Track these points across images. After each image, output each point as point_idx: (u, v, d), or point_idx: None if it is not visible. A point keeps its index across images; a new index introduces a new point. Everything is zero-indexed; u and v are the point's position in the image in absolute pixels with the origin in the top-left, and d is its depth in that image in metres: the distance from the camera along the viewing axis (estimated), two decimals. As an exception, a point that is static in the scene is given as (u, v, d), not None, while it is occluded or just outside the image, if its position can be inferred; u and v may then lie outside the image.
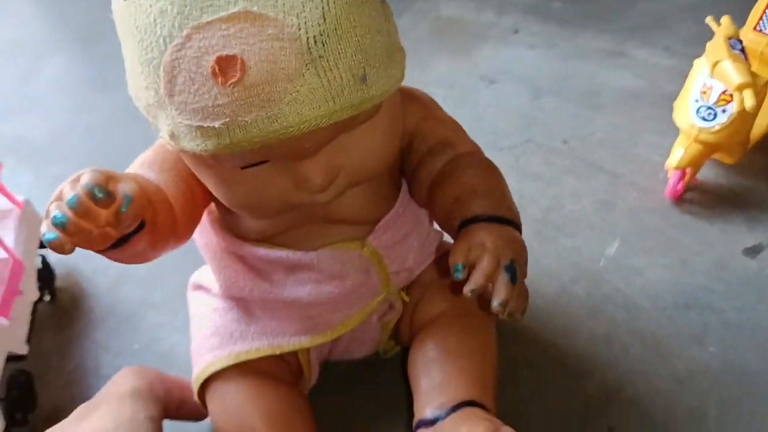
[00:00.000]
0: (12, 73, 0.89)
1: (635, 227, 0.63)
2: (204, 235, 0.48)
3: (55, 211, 0.33)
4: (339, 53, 0.34)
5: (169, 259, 0.63)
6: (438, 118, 0.47)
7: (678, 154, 0.62)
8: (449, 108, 0.49)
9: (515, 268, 0.39)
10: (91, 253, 0.67)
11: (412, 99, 0.47)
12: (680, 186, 0.64)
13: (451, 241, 0.48)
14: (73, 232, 0.33)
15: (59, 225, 0.33)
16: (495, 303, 0.38)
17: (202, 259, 0.54)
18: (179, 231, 0.42)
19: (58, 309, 0.63)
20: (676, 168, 0.62)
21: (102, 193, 0.33)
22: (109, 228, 0.34)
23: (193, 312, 0.52)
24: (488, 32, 0.86)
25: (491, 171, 0.45)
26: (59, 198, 0.34)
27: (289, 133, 0.34)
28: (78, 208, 0.33)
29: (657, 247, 0.62)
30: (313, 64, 0.33)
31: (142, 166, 0.42)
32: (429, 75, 0.79)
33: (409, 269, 0.50)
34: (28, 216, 0.60)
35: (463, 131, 0.48)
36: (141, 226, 0.37)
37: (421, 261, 0.51)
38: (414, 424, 0.47)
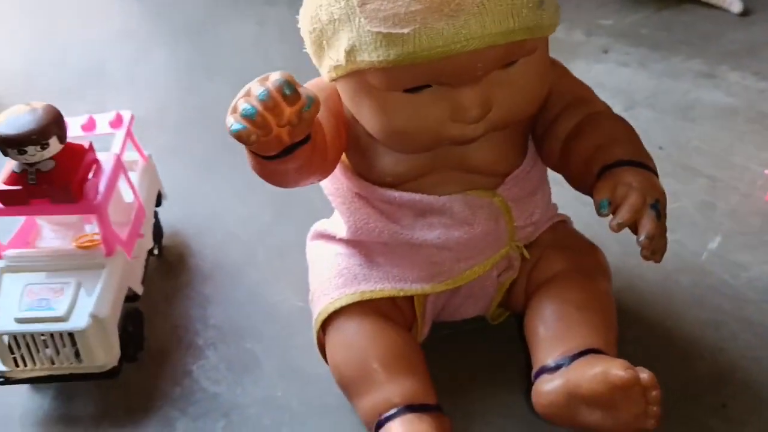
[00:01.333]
0: (120, 58, 0.93)
1: (738, 227, 0.64)
2: (335, 181, 0.50)
3: (244, 104, 0.36)
4: None
5: (268, 224, 0.66)
6: (572, 78, 0.50)
7: (783, 155, 0.63)
8: None
9: (659, 207, 0.40)
10: (195, 215, 0.70)
11: (550, 60, 0.49)
12: (782, 192, 0.65)
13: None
14: (260, 124, 0.35)
15: (248, 116, 0.35)
16: (642, 236, 0.39)
17: (298, 227, 0.56)
18: (328, 160, 0.45)
19: (166, 264, 0.64)
20: (781, 170, 0.63)
21: (291, 89, 0.35)
22: (285, 130, 0.37)
23: (313, 258, 0.54)
24: (579, 50, 0.89)
25: (627, 124, 0.47)
26: (247, 94, 0.36)
27: (470, 45, 0.37)
28: (267, 101, 0.35)
29: (761, 246, 0.62)
30: None
31: None
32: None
33: (534, 224, 0.51)
34: (150, 170, 0.63)
35: (594, 92, 0.50)
36: (307, 139, 0.39)
37: (544, 221, 0.52)
38: (533, 372, 0.47)
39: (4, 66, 0.93)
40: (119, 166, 0.55)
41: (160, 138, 0.78)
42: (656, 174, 0.44)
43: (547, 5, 0.39)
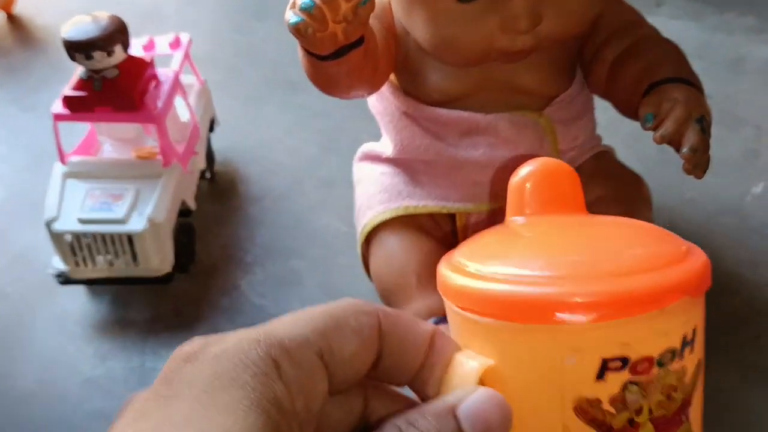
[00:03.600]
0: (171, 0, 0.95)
1: (783, 174, 0.64)
2: (382, 100, 0.51)
3: None
4: None
5: (315, 156, 0.68)
6: (623, 3, 0.50)
7: (834, 105, 0.63)
8: None
9: (704, 122, 0.41)
10: (245, 145, 0.72)
11: None
12: (830, 141, 0.64)
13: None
14: (317, 18, 0.37)
15: (306, 8, 0.37)
16: (685, 149, 0.40)
17: (344, 160, 0.57)
18: (378, 71, 0.46)
19: (216, 188, 0.67)
20: (833, 116, 0.63)
21: None
22: (341, 26, 0.38)
23: (359, 178, 0.55)
24: (632, 2, 0.88)
25: (676, 47, 0.48)
26: None
27: None
28: None
29: (807, 193, 0.62)
30: None
31: None
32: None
33: (578, 147, 0.51)
34: (206, 94, 0.65)
35: (644, 17, 0.50)
36: (361, 42, 0.40)
37: (588, 148, 0.53)
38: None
39: (64, 3, 0.96)
40: (177, 84, 0.57)
41: (211, 74, 0.80)
42: (703, 93, 0.44)
43: None
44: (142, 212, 0.52)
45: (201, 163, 0.62)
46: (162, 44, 0.61)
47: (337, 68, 0.41)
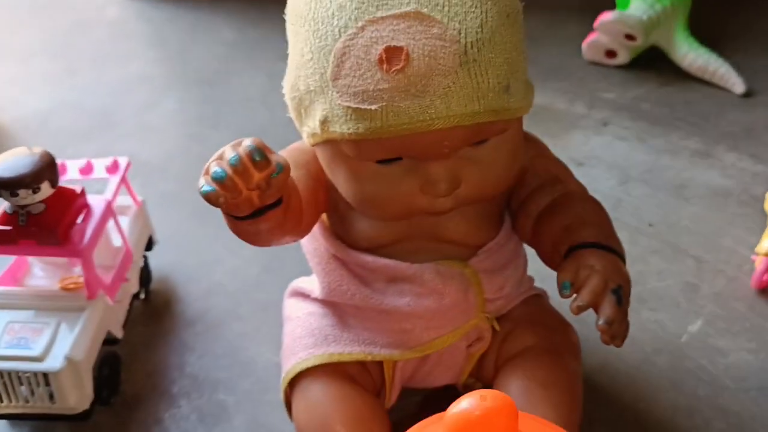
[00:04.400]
0: (133, 103, 0.96)
1: (720, 311, 0.64)
2: (313, 240, 0.51)
3: (215, 168, 0.37)
4: (490, 61, 0.39)
5: (256, 277, 0.67)
6: (550, 158, 0.51)
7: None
8: None
9: (621, 292, 0.41)
10: (185, 262, 0.71)
11: (527, 138, 0.50)
12: (766, 277, 0.65)
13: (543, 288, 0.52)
14: (228, 188, 0.37)
15: (218, 179, 0.36)
16: (601, 321, 0.40)
17: (285, 283, 0.57)
18: (303, 223, 0.46)
19: (151, 308, 0.65)
20: (766, 255, 0.63)
21: (260, 156, 0.36)
22: (255, 193, 0.38)
23: (287, 315, 0.54)
24: (579, 122, 0.90)
25: (599, 207, 0.48)
26: (220, 158, 0.37)
27: (435, 125, 0.38)
28: (238, 165, 0.36)
29: (742, 332, 0.62)
30: (467, 66, 0.38)
31: None
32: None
33: (504, 297, 0.51)
34: (142, 215, 0.64)
35: (572, 173, 0.51)
36: (279, 203, 0.40)
37: (516, 295, 0.53)
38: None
39: (22, 105, 0.96)
40: (109, 212, 0.56)
41: (161, 184, 0.80)
42: (623, 259, 0.44)
43: (514, 90, 0.40)
44: (60, 349, 0.51)
45: (133, 287, 0.61)
46: (99, 168, 0.61)
47: (255, 226, 0.41)
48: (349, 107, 0.39)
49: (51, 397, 0.51)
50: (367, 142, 0.40)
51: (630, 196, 0.78)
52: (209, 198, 0.37)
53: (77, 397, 0.51)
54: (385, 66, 0.37)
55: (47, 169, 0.51)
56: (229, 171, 0.36)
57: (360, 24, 0.38)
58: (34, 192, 0.50)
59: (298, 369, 0.49)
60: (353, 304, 0.50)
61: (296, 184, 0.44)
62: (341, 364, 0.49)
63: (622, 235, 0.71)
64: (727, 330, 0.62)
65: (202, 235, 0.73)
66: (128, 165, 0.62)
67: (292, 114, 0.46)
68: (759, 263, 0.65)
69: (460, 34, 0.38)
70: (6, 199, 0.51)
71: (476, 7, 0.39)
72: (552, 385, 0.47)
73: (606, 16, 0.94)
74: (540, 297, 0.55)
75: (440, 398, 0.56)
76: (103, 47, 1.09)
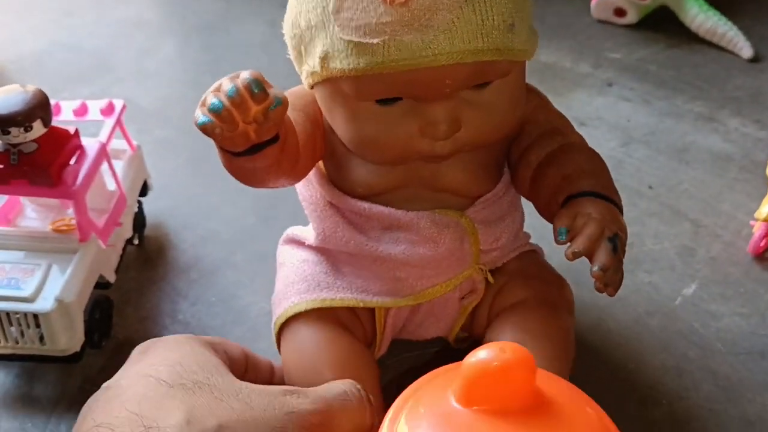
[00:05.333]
0: (130, 48, 0.94)
1: (715, 275, 0.64)
2: (308, 187, 0.51)
3: (213, 99, 0.36)
4: None
5: (251, 227, 0.67)
6: (551, 109, 0.50)
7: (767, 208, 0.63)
8: None
9: (617, 241, 0.40)
10: (181, 209, 0.71)
11: (529, 89, 0.50)
12: (764, 242, 0.65)
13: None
14: (225, 119, 0.36)
15: (215, 110, 0.36)
16: (595, 267, 0.40)
17: (280, 233, 0.57)
18: (299, 165, 0.45)
19: (144, 254, 0.65)
20: (765, 220, 0.63)
21: (258, 88, 0.36)
22: (252, 127, 0.37)
23: (281, 262, 0.54)
24: (583, 81, 0.89)
25: (599, 158, 0.48)
26: (217, 89, 0.37)
27: (438, 61, 0.38)
28: (235, 97, 0.36)
29: (736, 297, 0.62)
30: (472, 2, 0.38)
31: None
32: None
33: (500, 248, 0.51)
34: (137, 160, 0.64)
35: (572, 125, 0.50)
36: (276, 140, 0.40)
37: (511, 249, 0.52)
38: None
39: (18, 46, 0.94)
40: (103, 154, 0.56)
41: (158, 130, 0.79)
42: (620, 210, 0.44)
43: (519, 30, 0.40)
44: (51, 291, 0.50)
45: (127, 232, 0.61)
46: (94, 110, 0.60)
47: (251, 164, 0.40)
48: (350, 41, 0.38)
49: (41, 338, 0.51)
50: (367, 79, 0.40)
51: (631, 158, 0.77)
52: (205, 129, 0.37)
53: (68, 339, 0.51)
54: None
55: (40, 107, 0.50)
56: (227, 102, 0.36)
57: None
58: (26, 130, 0.49)
59: (290, 313, 0.49)
60: (347, 251, 0.50)
61: (294, 126, 0.43)
62: (333, 310, 0.49)
63: (622, 197, 0.70)
64: (720, 294, 0.62)
65: (199, 182, 0.73)
66: (123, 107, 0.61)
67: (291, 54, 0.45)
68: (757, 229, 0.65)
69: None
70: (-3, 137, 0.50)
71: None
72: (545, 338, 0.47)
73: (616, -26, 0.92)
74: (536, 252, 0.55)
75: (431, 354, 0.56)
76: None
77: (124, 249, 0.61)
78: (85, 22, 0.99)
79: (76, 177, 0.52)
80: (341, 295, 0.49)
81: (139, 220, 0.64)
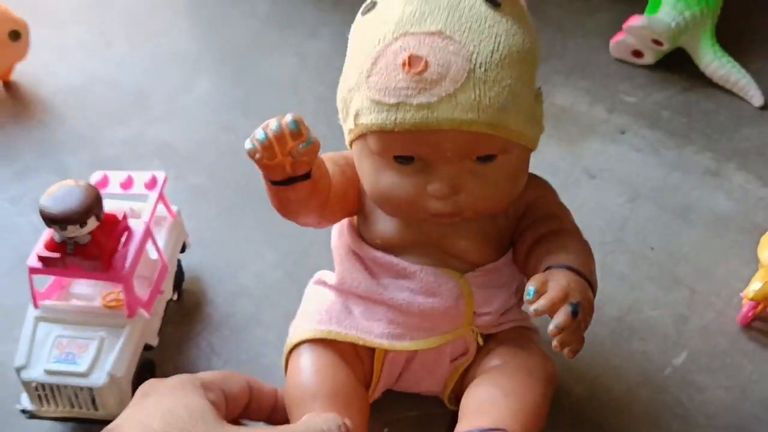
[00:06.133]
0: (168, 83, 0.99)
1: (705, 345, 0.69)
2: (340, 237, 0.59)
3: (260, 131, 0.46)
4: (494, 82, 0.46)
5: (280, 286, 0.73)
6: (555, 200, 0.57)
7: (755, 286, 0.67)
8: None
9: (579, 308, 0.46)
10: (215, 264, 0.76)
11: (538, 180, 0.58)
12: (751, 314, 0.69)
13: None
14: (267, 148, 0.46)
15: (259, 139, 0.46)
16: (552, 325, 0.45)
17: (303, 287, 0.63)
18: (327, 209, 0.54)
19: (182, 308, 0.71)
20: (752, 300, 0.67)
21: (295, 126, 0.45)
22: (288, 160, 0.47)
23: (307, 297, 0.62)
24: (598, 127, 0.92)
25: (585, 244, 0.54)
26: (266, 125, 0.46)
27: (440, 125, 0.46)
28: (277, 132, 0.45)
29: (721, 369, 0.67)
30: (473, 81, 0.46)
31: (322, 156, 0.53)
32: (535, 158, 0.84)
33: (491, 314, 0.56)
34: (178, 224, 0.69)
35: (572, 216, 0.57)
36: (308, 176, 0.48)
37: (505, 319, 0.58)
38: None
39: (58, 79, 0.99)
40: (147, 235, 0.62)
41: (192, 176, 0.85)
42: (593, 288, 0.49)
43: (513, 113, 0.47)
44: (103, 366, 0.57)
45: (168, 295, 0.67)
46: (139, 183, 0.66)
47: (284, 194, 0.50)
48: (374, 100, 0.47)
49: (94, 403, 0.58)
50: (386, 137, 0.48)
51: (636, 216, 0.81)
52: (249, 153, 0.46)
53: (117, 405, 0.58)
54: (406, 68, 0.46)
55: (94, 204, 0.55)
56: (270, 135, 0.45)
57: (395, 35, 0.47)
58: (81, 227, 0.55)
59: (299, 338, 0.56)
60: (358, 293, 0.57)
61: (329, 175, 0.52)
62: (337, 344, 0.56)
63: (625, 259, 0.77)
64: (707, 366, 0.67)
65: (230, 234, 0.78)
66: (165, 180, 0.67)
67: (341, 117, 0.53)
68: (746, 302, 0.69)
69: (472, 54, 0.46)
70: (56, 231, 0.56)
71: (491, 37, 0.47)
72: (514, 394, 0.52)
73: (635, 21, 0.94)
74: (530, 330, 0.60)
75: (432, 416, 0.62)
76: (137, 15, 1.11)
77: (165, 310, 0.67)
78: (121, 53, 1.04)
79: (124, 262, 0.58)
80: (346, 330, 0.56)
81: (178, 277, 0.71)
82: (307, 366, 0.55)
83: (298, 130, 0.45)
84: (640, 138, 0.91)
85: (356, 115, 0.49)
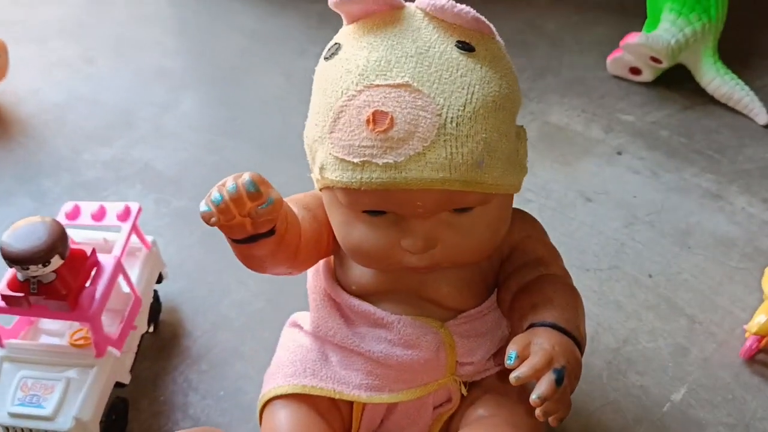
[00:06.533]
0: (150, 102, 0.97)
1: (705, 379, 0.65)
2: (316, 277, 0.56)
3: (216, 193, 0.42)
4: (467, 137, 0.43)
5: (260, 312, 0.70)
6: (542, 240, 0.54)
7: (760, 319, 0.64)
8: (543, 219, 0.55)
9: (564, 373, 0.43)
10: (195, 294, 0.73)
11: (524, 218, 0.54)
12: (755, 347, 0.66)
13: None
14: (223, 211, 0.42)
15: (215, 202, 0.42)
16: (534, 395, 0.42)
17: (286, 318, 0.60)
18: (298, 258, 0.50)
19: (159, 341, 0.69)
20: (755, 334, 0.64)
21: (253, 187, 0.41)
22: (248, 220, 0.43)
23: (281, 343, 0.59)
24: (594, 148, 0.89)
25: (572, 293, 0.50)
26: (222, 185, 0.42)
27: (407, 185, 0.43)
28: (234, 193, 0.41)
29: (723, 404, 0.64)
30: (444, 138, 0.42)
31: (291, 201, 0.50)
32: (529, 180, 0.82)
33: (476, 364, 0.53)
34: (153, 255, 0.67)
35: (560, 258, 0.53)
36: (271, 233, 0.45)
37: (488, 367, 0.55)
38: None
39: (39, 97, 0.97)
40: (118, 269, 0.59)
41: (175, 200, 0.82)
42: (581, 344, 0.46)
43: (489, 167, 0.43)
44: (69, 409, 0.54)
45: (142, 329, 0.64)
46: (111, 215, 0.63)
47: (249, 251, 0.46)
48: (337, 158, 0.44)
49: (62, 448, 0.55)
50: (354, 192, 0.45)
51: (634, 241, 0.78)
52: (204, 217, 0.42)
53: (86, 449, 0.55)
54: (371, 126, 0.42)
55: (58, 242, 0.53)
56: (226, 197, 0.42)
57: (359, 88, 0.43)
58: (44, 265, 0.52)
59: (272, 394, 0.53)
60: (335, 342, 0.54)
61: (300, 223, 0.49)
62: (313, 398, 0.53)
63: (621, 286, 0.74)
64: (708, 401, 0.64)
65: (212, 261, 0.76)
66: (139, 211, 0.64)
67: (309, 162, 0.50)
68: (749, 336, 0.66)
69: (442, 108, 0.42)
70: (18, 270, 0.53)
71: (463, 88, 0.43)
72: None
73: (632, 39, 0.92)
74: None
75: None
76: (122, 31, 1.09)
77: (139, 344, 0.64)
78: (105, 72, 1.01)
79: (92, 300, 0.55)
80: (322, 384, 0.53)
81: (155, 308, 0.68)
82: (282, 424, 0.52)
83: (256, 191, 0.41)
84: (638, 159, 0.88)
85: (321, 168, 0.46)
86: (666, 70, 0.96)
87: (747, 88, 0.91)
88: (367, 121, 0.42)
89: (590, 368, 0.66)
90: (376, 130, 0.42)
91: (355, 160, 0.43)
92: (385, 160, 0.42)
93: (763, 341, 0.66)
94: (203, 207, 0.42)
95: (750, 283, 0.73)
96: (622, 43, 0.93)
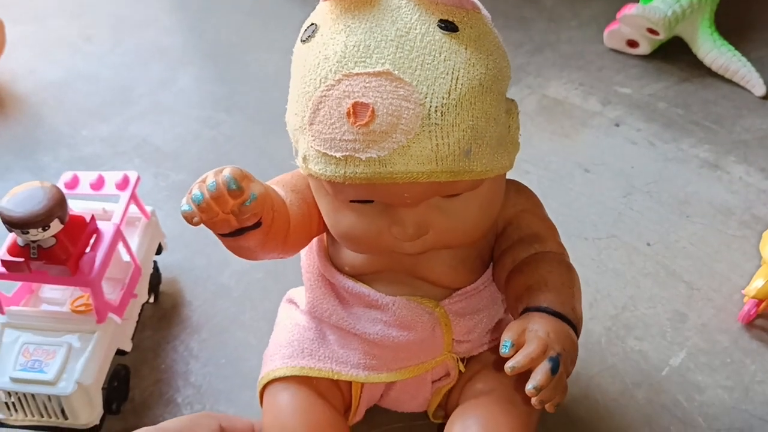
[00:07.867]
0: (149, 78, 0.96)
1: (704, 343, 0.66)
2: (309, 256, 0.55)
3: (196, 191, 0.40)
4: (453, 126, 0.40)
5: (259, 282, 0.70)
6: (537, 215, 0.52)
7: (758, 283, 0.64)
8: (541, 190, 0.54)
9: (559, 360, 0.42)
10: (195, 261, 0.73)
11: (519, 191, 0.52)
12: (754, 312, 0.66)
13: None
14: (204, 210, 0.40)
15: (195, 201, 0.40)
16: (529, 385, 0.42)
17: (286, 288, 0.60)
18: (288, 244, 0.49)
19: (159, 311, 0.69)
20: (754, 297, 0.64)
21: (235, 185, 0.40)
22: (231, 216, 0.41)
23: (279, 320, 0.59)
24: (591, 120, 0.89)
25: (568, 271, 0.49)
26: (203, 181, 0.41)
27: (392, 179, 0.41)
28: (214, 191, 0.40)
29: (722, 368, 0.64)
30: (429, 129, 0.40)
31: (278, 183, 0.49)
32: (527, 152, 0.82)
33: (471, 342, 0.53)
34: (152, 225, 0.67)
35: (556, 233, 0.52)
36: (258, 225, 0.43)
37: (486, 341, 0.55)
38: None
39: (38, 75, 0.97)
40: (118, 236, 0.59)
41: (174, 174, 0.82)
42: (576, 327, 0.46)
43: (477, 155, 0.41)
44: (71, 374, 0.54)
45: (142, 298, 0.64)
46: (110, 184, 0.63)
47: (236, 243, 0.45)
48: (319, 151, 0.42)
49: (63, 413, 0.55)
50: (339, 184, 0.43)
51: (632, 210, 0.78)
52: (185, 217, 0.41)
53: (87, 414, 0.56)
54: (351, 119, 0.40)
55: (57, 206, 0.53)
56: (207, 195, 0.40)
57: (338, 77, 0.40)
58: (44, 230, 0.53)
59: (271, 376, 0.53)
60: (330, 323, 0.53)
61: (289, 207, 0.47)
62: (312, 377, 0.53)
63: (620, 254, 0.74)
64: (707, 365, 0.64)
65: (210, 233, 0.75)
66: (138, 180, 0.64)
67: (293, 146, 0.48)
68: (747, 300, 0.66)
69: (426, 97, 0.40)
70: (17, 235, 0.53)
71: (447, 73, 0.40)
72: (496, 428, 0.49)
73: (629, 10, 0.91)
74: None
75: (418, 427, 0.60)
76: (119, 9, 1.08)
77: (140, 313, 0.65)
78: (103, 49, 1.01)
79: (92, 266, 0.56)
80: (320, 364, 0.53)
81: (155, 279, 0.68)
82: (282, 405, 0.52)
83: (237, 189, 0.39)
84: (636, 130, 0.88)
85: (305, 159, 0.44)
86: (663, 43, 0.96)
87: (744, 59, 0.91)
88: (348, 113, 0.40)
89: (589, 334, 0.66)
90: (357, 123, 0.40)
91: (338, 155, 0.41)
92: (368, 155, 0.40)
93: (762, 305, 0.66)
94: (185, 206, 0.41)
95: (748, 251, 0.73)
96: (619, 15, 0.93)
